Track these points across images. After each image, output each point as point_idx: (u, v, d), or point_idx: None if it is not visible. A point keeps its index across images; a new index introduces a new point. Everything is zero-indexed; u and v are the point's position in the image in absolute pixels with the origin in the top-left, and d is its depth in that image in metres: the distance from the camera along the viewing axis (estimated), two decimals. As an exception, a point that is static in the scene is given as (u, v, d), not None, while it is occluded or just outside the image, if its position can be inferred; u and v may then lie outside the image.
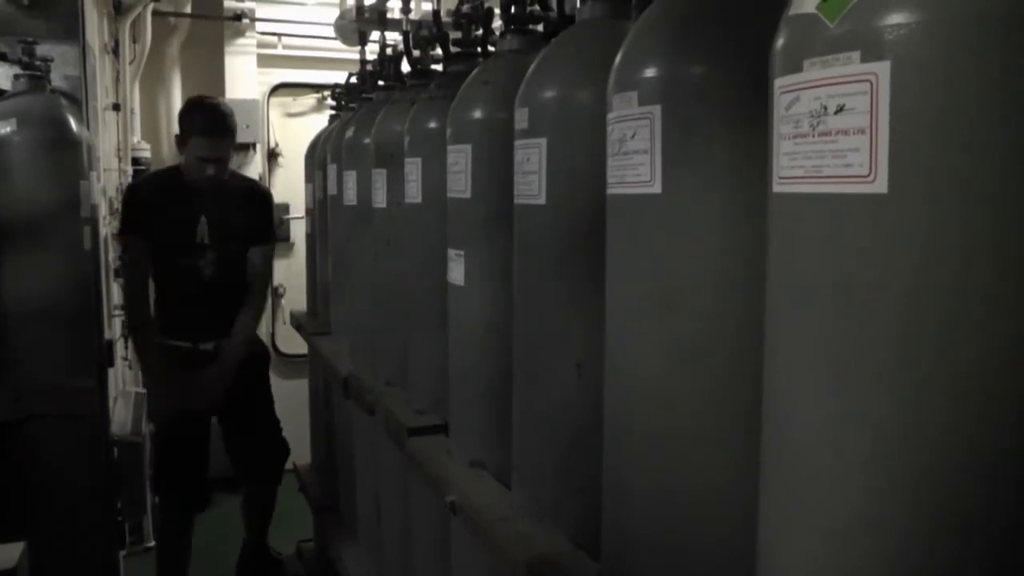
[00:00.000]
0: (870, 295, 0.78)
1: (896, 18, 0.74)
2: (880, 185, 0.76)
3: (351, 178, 3.02)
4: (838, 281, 0.81)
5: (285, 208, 5.97)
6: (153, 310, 3.53)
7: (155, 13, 5.02)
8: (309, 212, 4.26)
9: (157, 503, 3.75)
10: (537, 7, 2.00)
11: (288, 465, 4.80)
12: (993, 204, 0.73)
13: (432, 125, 2.17)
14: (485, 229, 1.87)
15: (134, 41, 4.89)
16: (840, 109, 0.79)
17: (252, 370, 3.71)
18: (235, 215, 3.56)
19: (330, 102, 4.44)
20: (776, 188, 0.89)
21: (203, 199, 3.47)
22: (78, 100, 3.29)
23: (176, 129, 3.53)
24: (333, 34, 4.85)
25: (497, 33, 2.17)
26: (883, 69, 0.75)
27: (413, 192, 2.26)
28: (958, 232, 0.74)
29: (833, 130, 0.79)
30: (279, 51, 5.88)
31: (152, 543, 4.42)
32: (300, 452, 4.61)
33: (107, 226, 4.15)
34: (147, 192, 3.58)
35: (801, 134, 0.83)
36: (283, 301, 5.96)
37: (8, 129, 2.69)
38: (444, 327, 2.06)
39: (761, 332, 0.95)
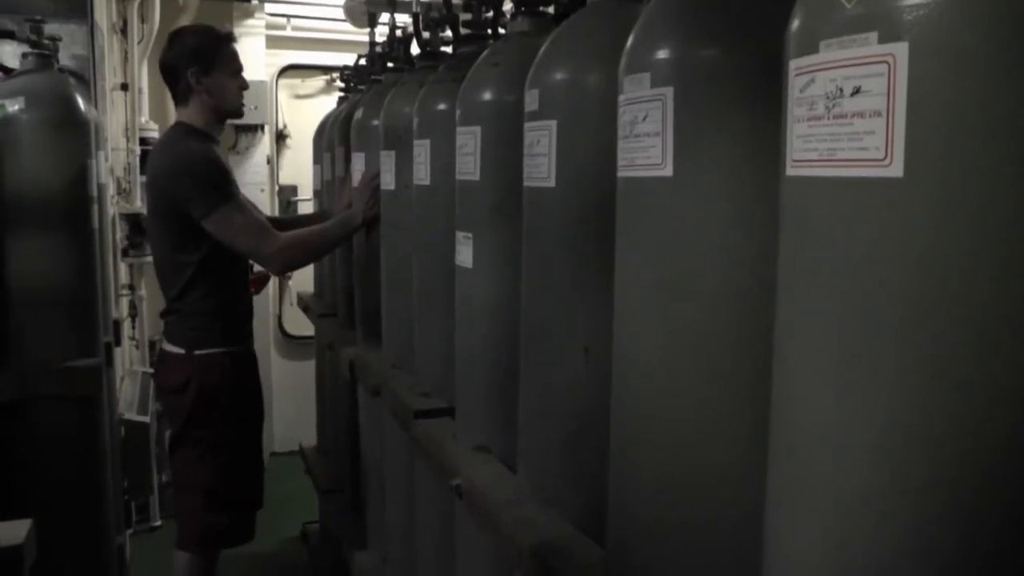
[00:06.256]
0: (883, 281, 0.77)
1: (915, -2, 0.73)
2: (896, 169, 0.75)
3: (359, 160, 3.01)
4: (850, 266, 0.80)
5: (293, 190, 5.98)
6: (214, 316, 2.88)
7: (164, -8, 5.00)
8: (317, 194, 4.27)
9: (200, 542, 2.97)
10: (548, -12, 1.98)
11: (294, 447, 4.85)
12: (1011, 189, 0.71)
13: (441, 107, 2.16)
14: (494, 212, 1.86)
15: (142, 21, 4.87)
16: (856, 91, 0.77)
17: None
18: None
19: (339, 84, 4.43)
20: (789, 171, 0.88)
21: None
22: (86, 79, 3.29)
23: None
24: (342, 15, 4.83)
25: (507, 15, 2.16)
26: (901, 50, 0.74)
27: (422, 174, 2.25)
28: (974, 217, 0.72)
29: (848, 112, 0.78)
30: (288, 32, 5.86)
31: (158, 522, 4.45)
32: (306, 434, 4.65)
33: (114, 206, 4.15)
34: (223, 161, 2.94)
35: (816, 116, 0.82)
36: (290, 283, 5.97)
37: (16, 108, 2.69)
38: (451, 310, 2.06)
39: (771, 317, 0.94)
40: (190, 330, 2.85)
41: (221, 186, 2.77)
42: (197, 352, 2.84)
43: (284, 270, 3.18)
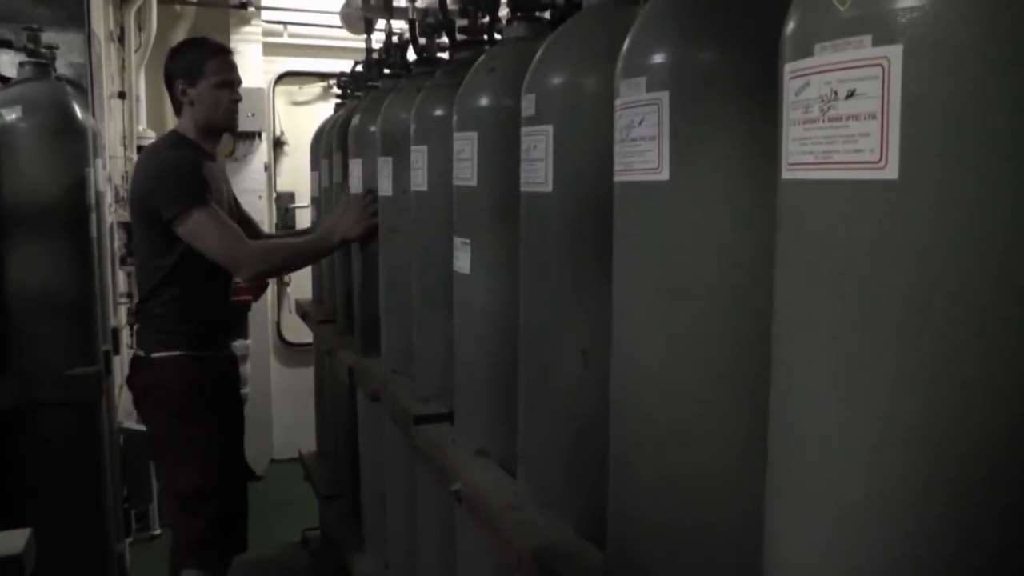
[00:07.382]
0: (880, 283, 0.78)
1: (908, 1, 0.73)
2: (891, 171, 0.75)
3: (357, 166, 3.01)
4: (847, 269, 0.80)
5: (291, 197, 5.98)
6: (178, 320, 2.85)
7: (161, 0, 5.01)
8: (315, 200, 4.26)
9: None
10: (543, -7, 1.99)
11: (293, 454, 4.84)
12: (1006, 191, 0.72)
13: (438, 113, 2.16)
14: (491, 217, 1.86)
15: (140, 29, 4.88)
16: (851, 94, 0.78)
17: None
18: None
19: (336, 90, 4.43)
20: (785, 174, 0.88)
21: (216, 170, 3.03)
22: (83, 88, 3.29)
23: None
24: (339, 22, 4.84)
25: (503, 20, 2.16)
26: (895, 53, 0.74)
27: (419, 180, 2.25)
28: (970, 219, 0.73)
29: (844, 115, 0.78)
30: (285, 39, 5.87)
31: (158, 531, 4.44)
32: (306, 440, 4.64)
33: (112, 214, 4.15)
34: (202, 169, 2.86)
35: (811, 119, 0.82)
36: (289, 289, 5.96)
37: (13, 116, 2.69)
38: (450, 315, 2.06)
39: (769, 320, 0.94)
40: (153, 333, 2.84)
41: (195, 191, 2.74)
42: (154, 355, 2.82)
43: (253, 277, 3.17)
